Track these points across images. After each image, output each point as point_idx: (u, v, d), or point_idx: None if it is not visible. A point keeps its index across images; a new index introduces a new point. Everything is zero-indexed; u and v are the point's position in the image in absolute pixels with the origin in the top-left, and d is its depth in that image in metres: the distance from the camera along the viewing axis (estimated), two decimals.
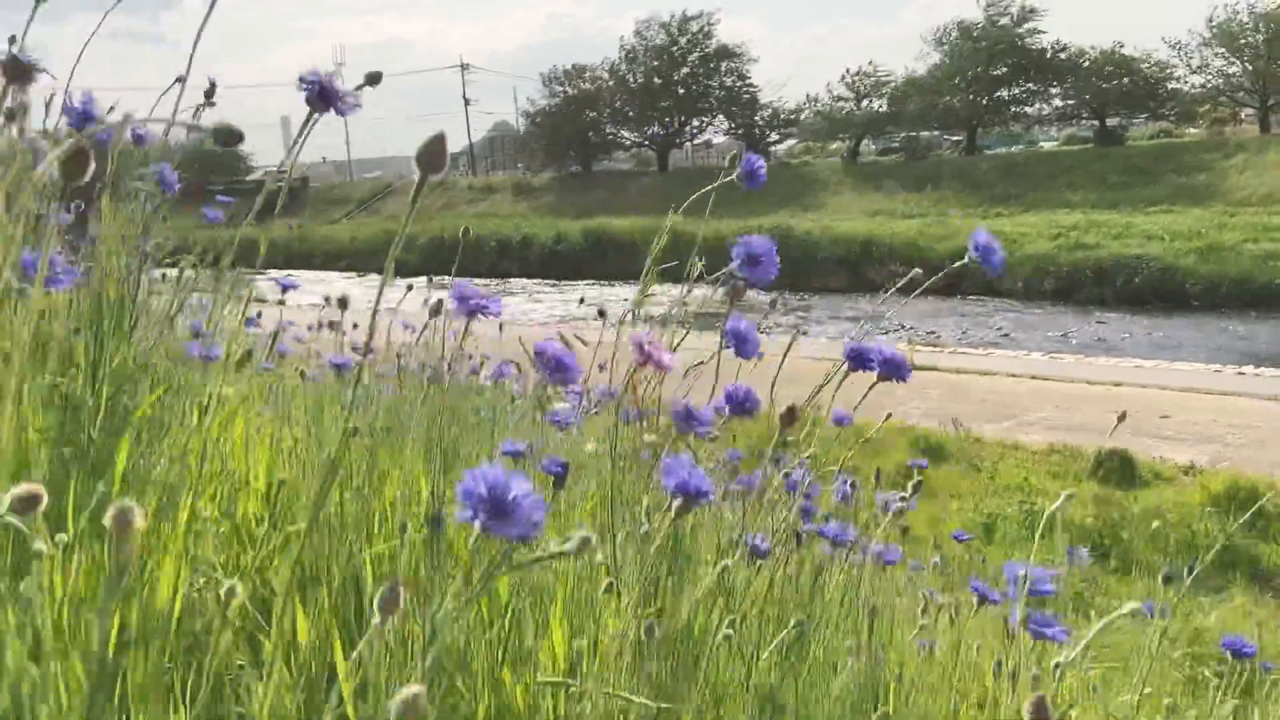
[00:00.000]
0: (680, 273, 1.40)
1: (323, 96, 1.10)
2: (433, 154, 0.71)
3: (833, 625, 1.50)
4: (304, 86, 1.09)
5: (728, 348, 1.26)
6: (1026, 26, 37.11)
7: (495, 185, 45.42)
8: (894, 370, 1.24)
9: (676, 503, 0.92)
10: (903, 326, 20.07)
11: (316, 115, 1.11)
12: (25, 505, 0.65)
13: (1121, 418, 2.02)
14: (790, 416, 1.15)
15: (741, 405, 1.20)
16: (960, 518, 7.57)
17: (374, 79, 1.21)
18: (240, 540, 1.46)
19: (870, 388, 1.29)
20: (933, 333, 19.04)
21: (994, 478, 8.56)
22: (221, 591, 0.76)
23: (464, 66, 55.27)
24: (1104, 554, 6.67)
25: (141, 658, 0.90)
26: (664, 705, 1.02)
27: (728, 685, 1.21)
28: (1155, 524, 6.89)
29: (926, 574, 3.36)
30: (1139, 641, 1.90)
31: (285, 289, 2.86)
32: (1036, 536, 1.01)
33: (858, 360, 1.26)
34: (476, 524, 0.67)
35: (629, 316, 1.31)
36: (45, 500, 0.65)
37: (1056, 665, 1.00)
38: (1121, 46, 35.89)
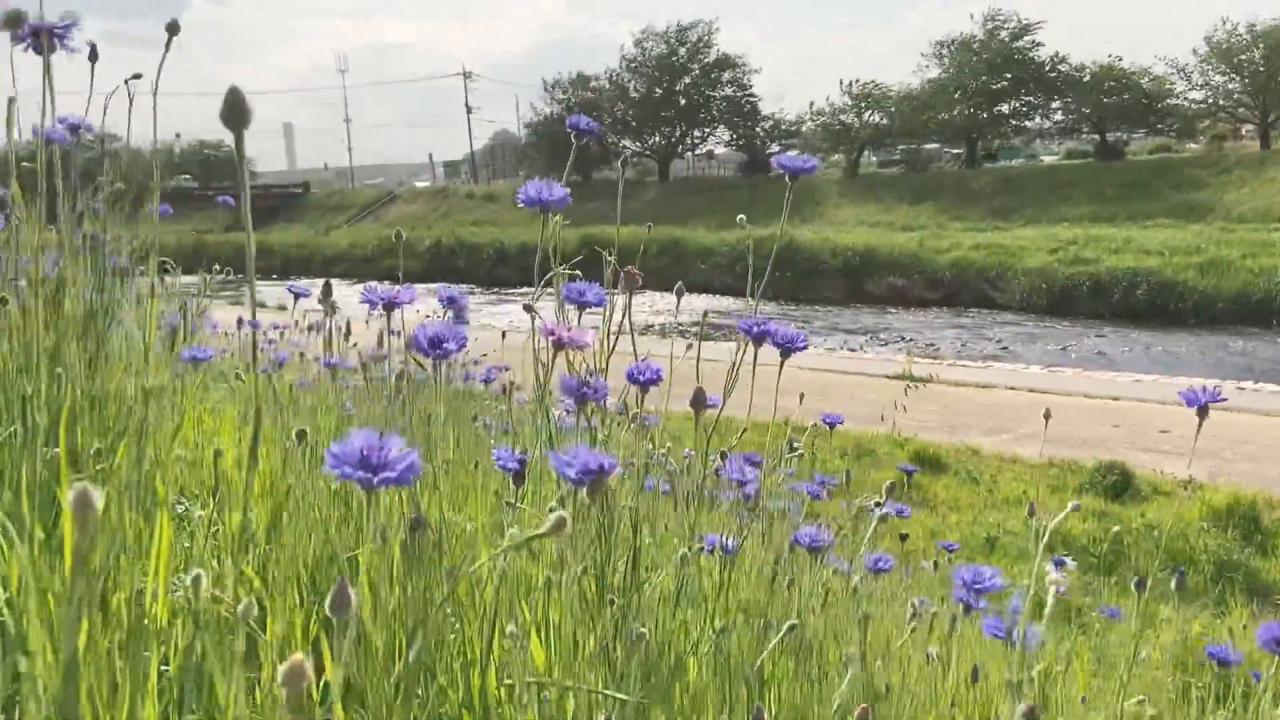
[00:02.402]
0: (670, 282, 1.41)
1: (37, 36, 1.10)
2: (233, 108, 0.66)
3: (824, 633, 1.50)
4: (23, 42, 1.10)
5: (570, 303, 1.29)
6: (1026, 40, 37.27)
7: (496, 193, 45.49)
8: (789, 344, 1.28)
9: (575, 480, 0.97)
10: (902, 338, 20.10)
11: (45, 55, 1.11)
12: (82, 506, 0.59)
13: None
14: (699, 400, 1.17)
15: (646, 382, 1.22)
16: (960, 530, 7.56)
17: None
18: (232, 544, 1.45)
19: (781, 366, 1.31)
20: (932, 345, 19.06)
21: (993, 491, 8.55)
22: (190, 584, 0.76)
23: (466, 75, 55.49)
24: (1102, 567, 6.66)
25: (120, 656, 0.89)
26: (640, 700, 1.02)
27: (705, 690, 1.21)
28: (1150, 536, 6.88)
29: (918, 582, 3.36)
30: (1130, 652, 1.89)
31: (298, 297, 2.85)
32: (1041, 548, 1.01)
33: (759, 337, 1.29)
34: (355, 478, 0.71)
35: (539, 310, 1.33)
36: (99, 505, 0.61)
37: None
38: (1120, 59, 36.07)
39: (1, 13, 1.16)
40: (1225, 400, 1.28)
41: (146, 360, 1.32)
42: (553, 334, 1.11)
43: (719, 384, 1.30)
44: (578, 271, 1.30)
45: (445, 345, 1.10)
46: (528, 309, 1.27)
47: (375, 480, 0.71)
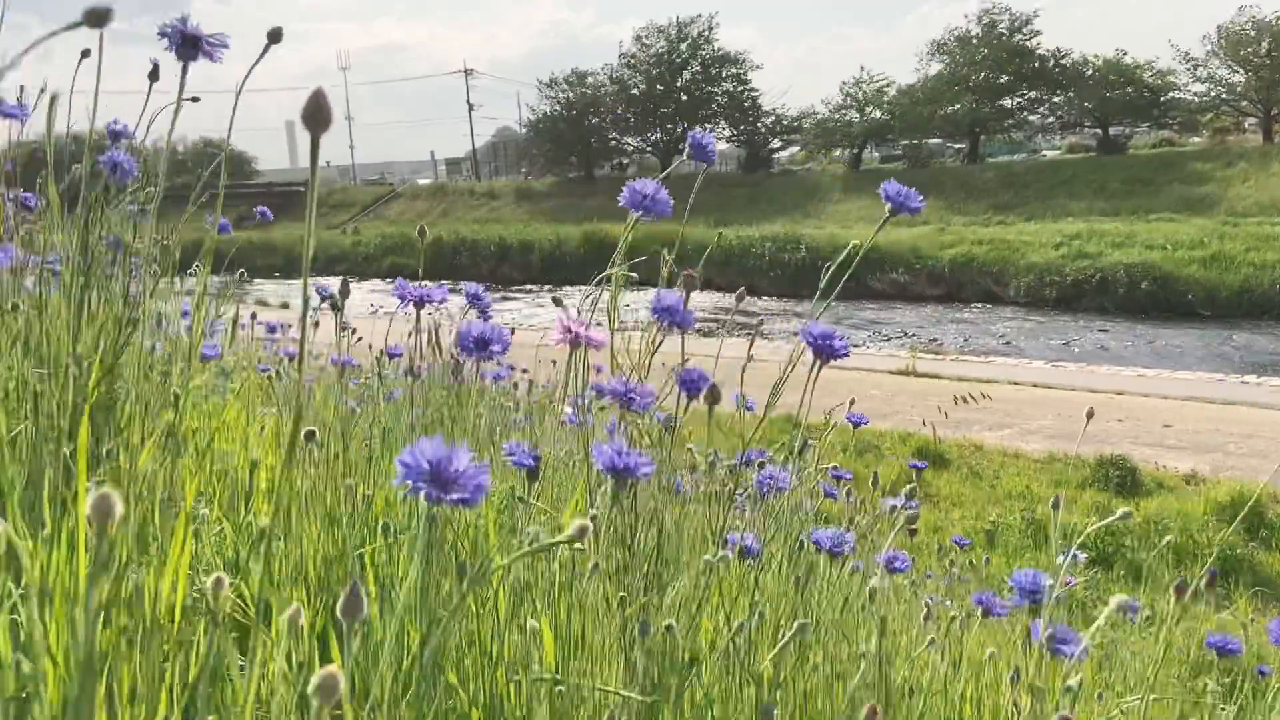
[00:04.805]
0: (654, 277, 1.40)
1: (186, 45, 1.11)
2: (315, 109, 0.65)
3: (835, 630, 1.49)
4: (167, 39, 1.11)
5: (656, 320, 1.27)
6: (1026, 30, 37.18)
7: (498, 190, 45.50)
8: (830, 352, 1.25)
9: (610, 481, 0.97)
10: (905, 334, 20.08)
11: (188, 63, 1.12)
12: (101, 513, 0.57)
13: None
14: (712, 395, 1.17)
15: (694, 386, 1.21)
16: (962, 525, 7.56)
17: (274, 36, 1.21)
18: (241, 541, 1.45)
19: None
20: (935, 340, 19.03)
21: (995, 486, 8.55)
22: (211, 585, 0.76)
23: (468, 72, 55.44)
24: (1107, 562, 6.65)
25: (135, 653, 0.89)
26: (652, 699, 1.02)
27: (724, 689, 1.21)
28: (1154, 531, 6.87)
29: (930, 580, 3.35)
30: (1140, 649, 1.89)
31: (322, 300, 2.85)
32: (1053, 544, 1.01)
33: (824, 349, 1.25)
34: (421, 494, 0.70)
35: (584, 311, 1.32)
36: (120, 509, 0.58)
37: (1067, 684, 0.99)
38: (1125, 54, 35.96)
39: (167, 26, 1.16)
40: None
41: (190, 363, 1.31)
42: (569, 329, 1.11)
43: (734, 380, 1.29)
44: (634, 274, 1.29)
45: (491, 347, 1.09)
46: (576, 334, 1.23)
47: (447, 499, 0.70)
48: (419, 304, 1.16)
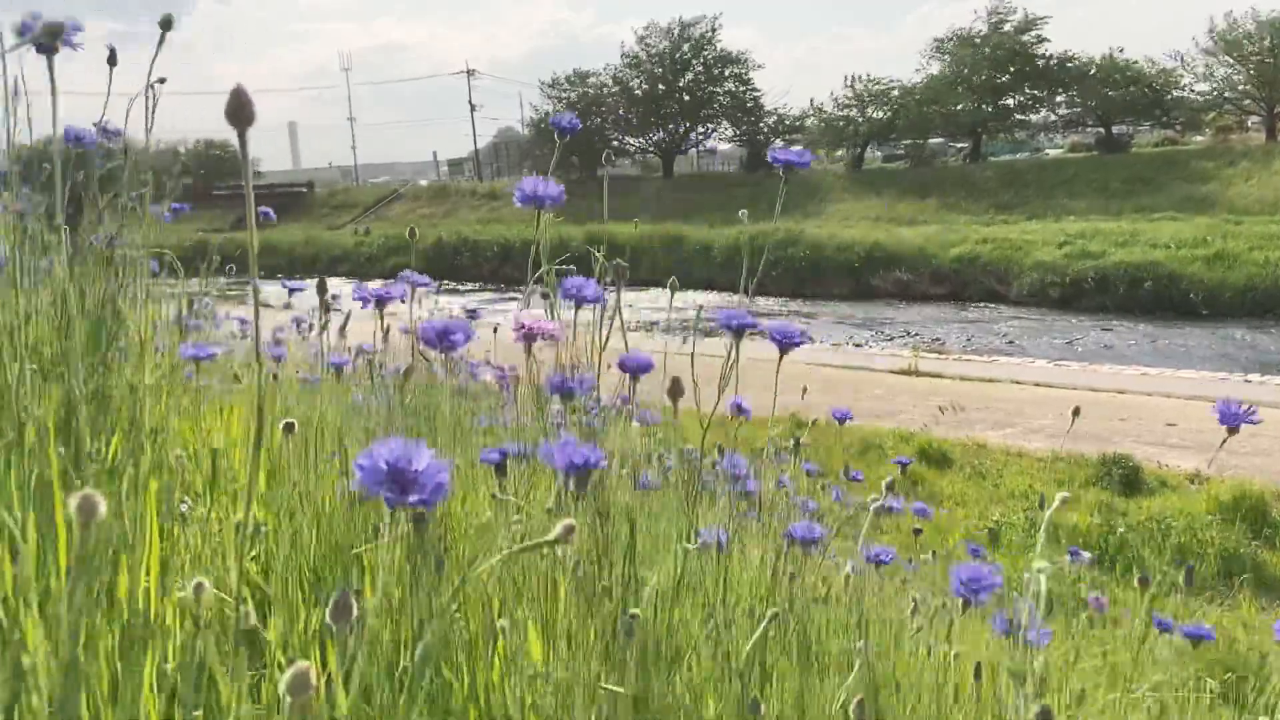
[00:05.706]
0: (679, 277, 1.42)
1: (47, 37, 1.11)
2: (238, 107, 0.66)
3: (824, 626, 1.50)
4: (25, 36, 1.11)
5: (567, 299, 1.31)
6: (1031, 34, 37.13)
7: (500, 190, 45.49)
8: (786, 339, 1.29)
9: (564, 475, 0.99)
10: (908, 333, 20.06)
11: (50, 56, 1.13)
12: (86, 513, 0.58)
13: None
14: (675, 389, 1.19)
15: (637, 370, 1.23)
16: (965, 525, 7.55)
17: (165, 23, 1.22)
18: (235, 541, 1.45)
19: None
20: (938, 339, 19.01)
21: (998, 485, 8.54)
22: (193, 589, 0.76)
23: (470, 72, 55.47)
24: (1108, 561, 6.64)
25: (122, 652, 0.90)
26: (635, 695, 1.02)
27: (705, 682, 1.21)
28: (1158, 530, 6.86)
29: (920, 576, 3.35)
30: (1140, 648, 1.88)
31: (291, 292, 2.86)
32: (1039, 540, 1.01)
33: (739, 330, 1.30)
34: (383, 496, 0.69)
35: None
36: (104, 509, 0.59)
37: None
38: (1121, 51, 35.91)
39: (21, 21, 1.16)
40: (1261, 422, 1.29)
41: (143, 359, 1.32)
42: (523, 327, 1.13)
43: (718, 378, 1.30)
44: (572, 267, 1.31)
45: (453, 337, 1.10)
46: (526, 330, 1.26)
47: (406, 501, 0.69)
48: (380, 304, 1.18)
